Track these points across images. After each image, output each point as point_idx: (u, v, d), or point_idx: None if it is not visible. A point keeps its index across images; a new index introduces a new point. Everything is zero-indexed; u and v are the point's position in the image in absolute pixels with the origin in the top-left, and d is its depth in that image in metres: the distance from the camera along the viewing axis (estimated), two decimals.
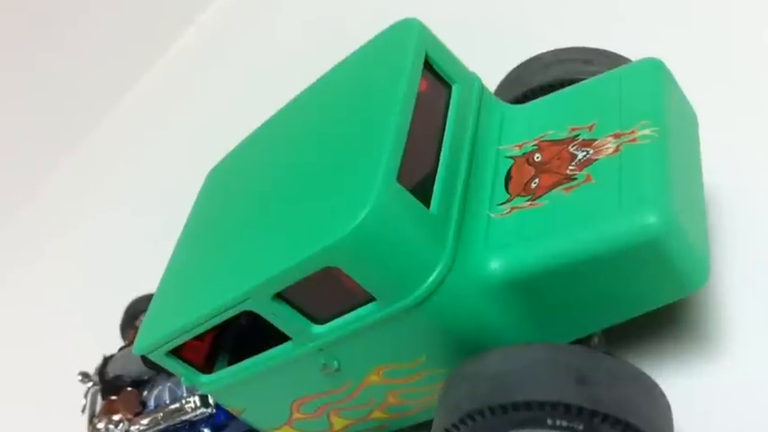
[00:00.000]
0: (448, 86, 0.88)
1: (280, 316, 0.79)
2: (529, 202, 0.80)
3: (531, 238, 0.76)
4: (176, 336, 0.86)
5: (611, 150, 0.79)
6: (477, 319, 0.76)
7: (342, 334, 0.79)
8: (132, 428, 1.07)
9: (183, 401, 1.03)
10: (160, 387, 1.08)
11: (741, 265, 0.90)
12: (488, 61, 1.03)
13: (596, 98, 0.86)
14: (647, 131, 0.78)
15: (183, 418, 1.03)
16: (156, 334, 0.88)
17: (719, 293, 0.88)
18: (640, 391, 0.71)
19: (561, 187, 0.79)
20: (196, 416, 1.02)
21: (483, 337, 0.77)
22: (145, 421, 1.06)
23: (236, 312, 0.81)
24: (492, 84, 1.02)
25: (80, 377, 1.17)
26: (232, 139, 1.09)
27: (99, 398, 1.16)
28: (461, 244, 0.76)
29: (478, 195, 0.82)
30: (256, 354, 0.86)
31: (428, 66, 0.86)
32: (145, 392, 1.10)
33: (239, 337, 0.96)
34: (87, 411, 1.16)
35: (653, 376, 0.74)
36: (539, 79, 0.99)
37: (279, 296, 0.78)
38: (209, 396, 1.01)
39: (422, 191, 0.76)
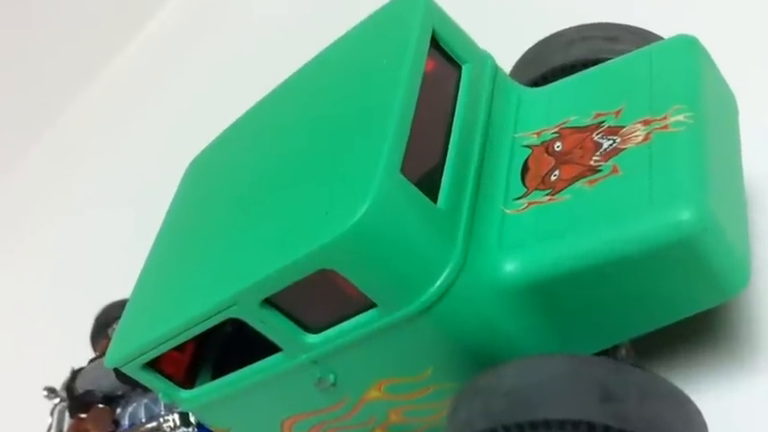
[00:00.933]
0: (457, 67, 0.87)
1: (269, 324, 0.79)
2: (548, 197, 0.80)
3: (551, 236, 0.76)
4: (153, 346, 0.86)
5: (640, 139, 0.79)
6: (491, 327, 0.76)
7: (338, 344, 0.79)
8: None
9: (161, 420, 1.03)
10: (135, 404, 1.08)
11: None
12: (503, 38, 1.03)
13: (623, 80, 0.86)
14: (680, 117, 0.78)
15: None
16: (130, 344, 0.88)
17: (762, 297, 0.88)
18: (673, 407, 0.71)
19: (584, 180, 0.79)
20: None
21: (497, 348, 0.77)
22: None
23: (221, 320, 0.81)
24: (507, 64, 1.02)
25: (45, 393, 1.17)
26: (213, 128, 1.09)
27: (66, 416, 1.16)
28: (472, 243, 0.76)
29: (492, 189, 0.82)
30: (243, 366, 0.86)
31: (435, 43, 0.86)
32: (118, 410, 1.10)
33: (224, 347, 0.96)
34: (54, 431, 1.16)
35: (687, 391, 0.74)
36: (559, 59, 0.99)
37: (268, 302, 0.78)
38: (191, 414, 1.01)
39: (428, 183, 0.76)
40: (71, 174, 2.12)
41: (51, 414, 1.18)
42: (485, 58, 0.90)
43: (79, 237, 1.90)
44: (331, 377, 0.82)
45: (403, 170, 0.73)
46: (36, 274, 1.90)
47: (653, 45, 0.88)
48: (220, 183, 0.98)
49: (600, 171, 0.79)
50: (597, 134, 0.82)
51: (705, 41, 0.86)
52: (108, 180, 2.00)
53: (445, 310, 0.74)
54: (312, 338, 0.80)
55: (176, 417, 1.02)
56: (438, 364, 0.80)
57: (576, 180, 0.79)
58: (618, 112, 0.83)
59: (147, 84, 2.17)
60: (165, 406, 1.05)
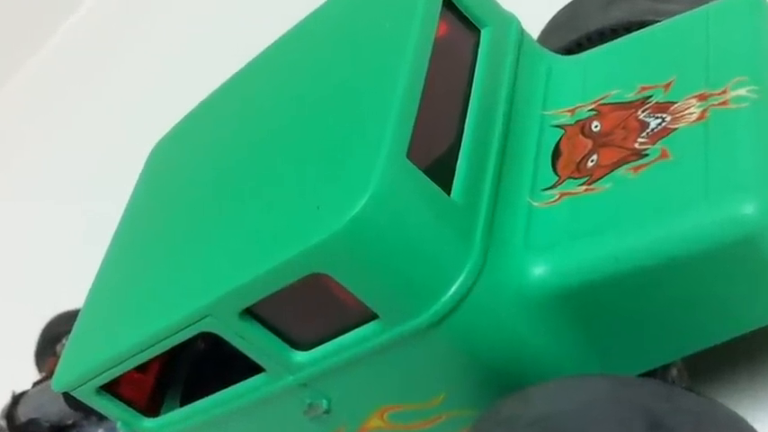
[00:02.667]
0: (476, 31, 0.88)
1: (249, 339, 0.79)
2: (584, 187, 0.80)
3: (588, 234, 0.76)
4: (110, 366, 0.86)
5: (694, 117, 0.79)
6: (515, 342, 0.76)
7: (332, 364, 0.79)
8: None
9: None
10: None
11: None
12: None
13: (674, 47, 0.86)
14: (742, 91, 0.78)
15: None
16: (82, 364, 0.88)
17: None
18: None
19: (627, 166, 0.79)
20: None
21: (522, 368, 0.77)
22: None
23: (191, 335, 0.81)
24: (535, 28, 1.02)
25: None
26: (179, 106, 1.09)
27: None
28: (494, 242, 0.76)
29: (516, 177, 0.82)
30: (217, 390, 0.86)
31: (449, 3, 0.86)
32: None
33: (195, 368, 0.96)
34: None
35: (750, 419, 0.74)
36: (597, 22, 1.00)
37: (248, 313, 0.78)
38: None
39: (440, 170, 0.76)
40: (12, 159, 2.13)
41: None
42: (508, 21, 0.91)
43: (22, 236, 1.90)
44: (324, 403, 0.83)
45: (410, 155, 0.73)
46: None
47: (710, 5, 0.88)
48: (189, 171, 0.98)
49: (646, 156, 0.79)
50: (643, 111, 0.82)
51: None
52: (55, 169, 2.00)
53: (461, 322, 0.74)
54: (301, 357, 0.80)
55: None
56: (452, 388, 0.80)
57: (618, 166, 0.79)
58: (668, 86, 0.83)
59: (99, 51, 2.17)
60: None
